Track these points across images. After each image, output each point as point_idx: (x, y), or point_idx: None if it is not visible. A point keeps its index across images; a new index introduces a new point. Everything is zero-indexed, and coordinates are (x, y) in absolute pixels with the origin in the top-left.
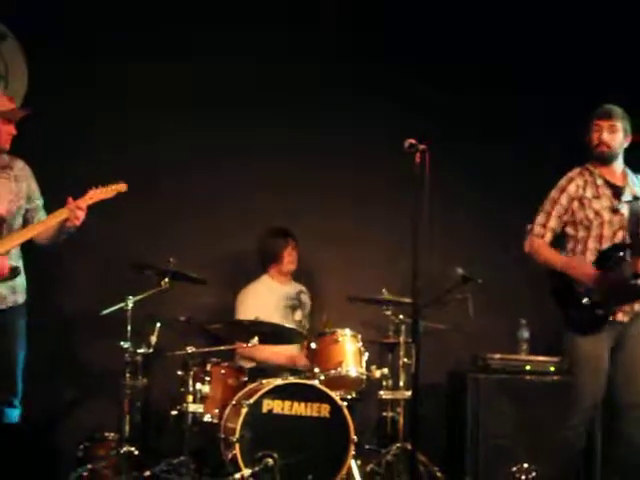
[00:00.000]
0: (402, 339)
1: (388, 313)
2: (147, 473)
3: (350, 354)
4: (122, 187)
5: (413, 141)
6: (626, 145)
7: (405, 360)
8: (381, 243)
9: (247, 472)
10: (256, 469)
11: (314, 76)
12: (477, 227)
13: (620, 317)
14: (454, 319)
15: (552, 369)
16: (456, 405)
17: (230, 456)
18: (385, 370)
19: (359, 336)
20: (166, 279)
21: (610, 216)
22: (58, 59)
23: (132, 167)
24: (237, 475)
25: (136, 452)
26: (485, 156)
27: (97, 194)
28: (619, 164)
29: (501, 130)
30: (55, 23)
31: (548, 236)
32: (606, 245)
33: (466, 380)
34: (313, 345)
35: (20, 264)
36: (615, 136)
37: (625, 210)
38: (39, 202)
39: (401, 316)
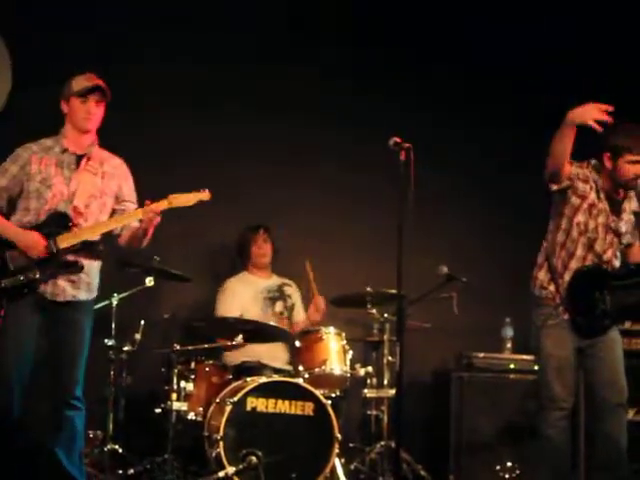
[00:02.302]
0: (386, 337)
1: (372, 311)
2: (131, 471)
3: (334, 352)
4: (206, 196)
5: (398, 139)
6: None
7: (389, 358)
8: (366, 240)
9: (231, 470)
10: (240, 467)
11: (302, 73)
12: (462, 225)
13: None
14: (439, 318)
15: (536, 367)
16: (440, 403)
17: (214, 454)
18: (369, 368)
19: (343, 334)
20: (151, 277)
21: (604, 234)
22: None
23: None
24: (221, 473)
25: (120, 450)
26: (470, 155)
27: (177, 200)
28: None
29: (486, 129)
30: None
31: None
32: (590, 257)
33: (450, 378)
34: (297, 343)
35: (93, 263)
36: None
37: (624, 228)
38: (131, 205)
39: (385, 314)
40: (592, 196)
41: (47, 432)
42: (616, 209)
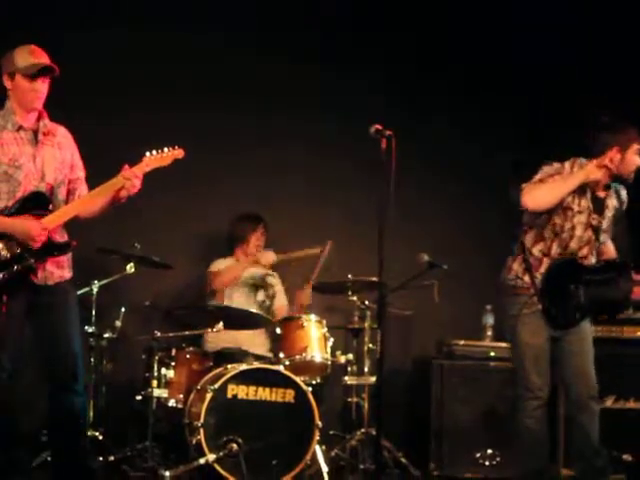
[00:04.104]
0: (367, 325)
1: (353, 299)
2: (111, 458)
3: (315, 340)
4: (180, 153)
5: (379, 127)
6: None
7: (370, 346)
8: (347, 228)
9: (211, 457)
10: (220, 454)
11: (282, 61)
12: (443, 213)
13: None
14: (420, 305)
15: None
16: (421, 391)
17: (194, 441)
18: (350, 356)
19: (324, 322)
20: (131, 264)
21: (582, 232)
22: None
23: (95, 150)
24: (201, 460)
25: (100, 437)
26: (452, 141)
27: (153, 161)
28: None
29: (469, 115)
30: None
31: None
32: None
33: (431, 366)
34: (278, 330)
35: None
36: None
37: (605, 225)
38: (81, 174)
39: (366, 302)
40: (569, 199)
41: (54, 419)
42: (599, 207)
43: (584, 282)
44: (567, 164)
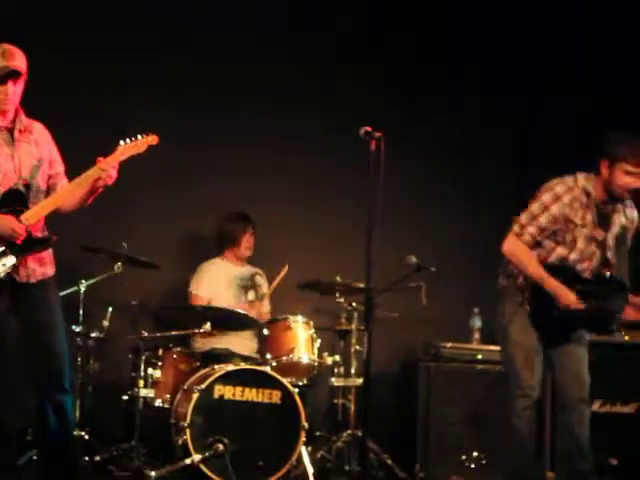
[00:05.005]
0: (354, 326)
1: (341, 300)
2: (97, 458)
3: (302, 341)
4: (153, 139)
5: (369, 129)
6: None
7: (357, 347)
8: (335, 229)
9: (197, 457)
10: (206, 454)
11: (271, 60)
12: (432, 215)
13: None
14: (407, 307)
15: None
16: (407, 393)
17: (181, 441)
18: (337, 357)
19: (311, 323)
20: (119, 263)
21: (584, 245)
22: None
23: (83, 149)
24: (187, 460)
25: (86, 437)
26: (440, 143)
27: (128, 149)
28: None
29: (456, 117)
30: None
31: (528, 240)
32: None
33: (418, 368)
34: (265, 331)
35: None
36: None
37: (610, 241)
38: (61, 169)
39: (354, 303)
40: (571, 212)
41: (41, 418)
42: (604, 221)
43: (576, 292)
44: (556, 207)
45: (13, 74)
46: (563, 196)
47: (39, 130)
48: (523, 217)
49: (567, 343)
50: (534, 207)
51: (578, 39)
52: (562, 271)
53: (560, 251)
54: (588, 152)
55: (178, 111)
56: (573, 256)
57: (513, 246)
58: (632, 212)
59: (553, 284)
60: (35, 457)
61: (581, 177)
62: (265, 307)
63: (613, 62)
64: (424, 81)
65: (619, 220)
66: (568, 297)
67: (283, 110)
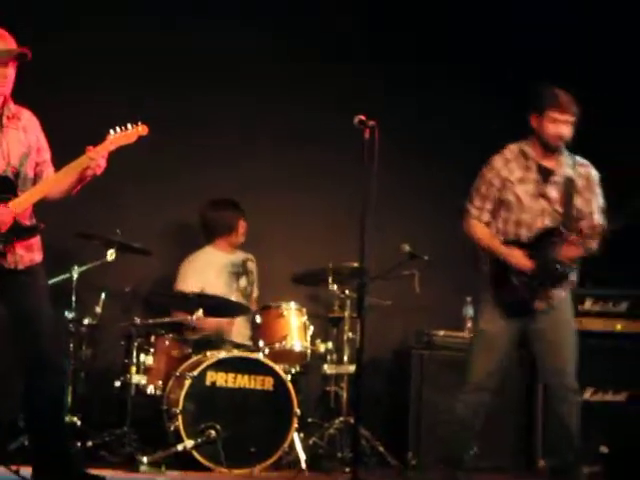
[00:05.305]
0: (347, 314)
1: (334, 288)
2: (89, 444)
3: (295, 328)
4: (144, 130)
5: (363, 117)
6: None
7: (350, 335)
8: (328, 217)
9: (190, 444)
10: (199, 441)
11: (262, 46)
12: (425, 204)
13: (540, 306)
14: (400, 295)
15: None
16: (400, 381)
17: (173, 428)
18: (329, 344)
19: (304, 310)
20: (112, 250)
21: (531, 202)
22: None
23: (77, 136)
24: (179, 446)
25: (79, 422)
26: (434, 131)
27: (117, 139)
28: (563, 151)
29: (451, 104)
30: None
31: (485, 217)
32: (524, 230)
33: (410, 356)
34: (258, 319)
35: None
36: (570, 129)
37: (554, 193)
38: (47, 156)
39: (346, 291)
40: (505, 172)
41: (30, 401)
42: (547, 177)
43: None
44: (496, 178)
45: (20, 57)
46: (496, 161)
47: (27, 117)
48: (475, 199)
49: (548, 328)
50: (480, 185)
51: (578, 39)
52: (514, 242)
53: (513, 217)
54: (587, 150)
55: (170, 98)
56: (525, 216)
57: (466, 226)
58: (584, 168)
59: (504, 251)
60: (27, 443)
61: (517, 143)
62: (254, 293)
63: (613, 62)
64: (421, 75)
65: (562, 172)
66: (518, 259)
67: (277, 99)
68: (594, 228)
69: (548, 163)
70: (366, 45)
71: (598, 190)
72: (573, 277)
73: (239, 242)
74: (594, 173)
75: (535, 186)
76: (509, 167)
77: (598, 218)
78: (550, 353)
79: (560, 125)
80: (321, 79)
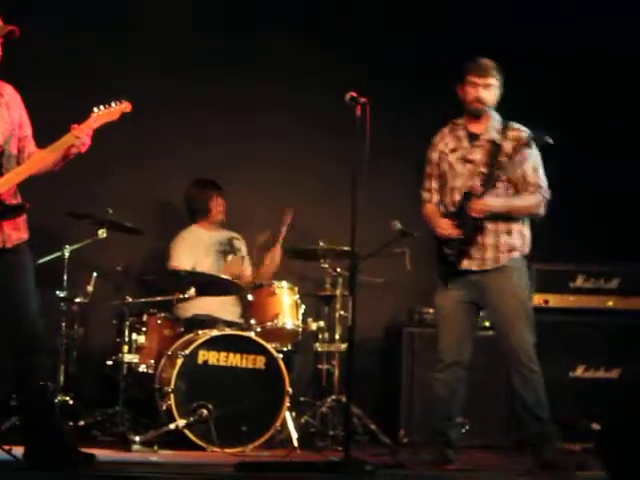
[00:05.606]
0: (339, 292)
1: (325, 266)
2: (82, 423)
3: (287, 306)
4: (127, 106)
5: (354, 94)
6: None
7: (341, 313)
8: (318, 195)
9: (181, 422)
10: (191, 420)
11: (249, 23)
12: (416, 181)
13: (467, 264)
14: (391, 273)
15: (486, 324)
16: (391, 358)
17: (165, 406)
18: (321, 323)
19: (296, 289)
20: (103, 229)
21: (461, 168)
22: None
23: (65, 116)
24: (172, 425)
25: (71, 402)
26: (425, 108)
27: (101, 117)
28: (490, 116)
29: (442, 82)
30: None
31: (435, 198)
32: (457, 196)
33: (402, 333)
34: (250, 297)
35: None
36: (491, 93)
37: (479, 155)
38: (29, 131)
39: (338, 269)
40: (440, 144)
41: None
42: (472, 141)
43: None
44: (434, 154)
45: (12, 33)
46: (435, 139)
47: (10, 93)
48: (424, 181)
49: (492, 302)
50: (426, 167)
51: (578, 39)
52: (448, 214)
53: (449, 185)
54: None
55: (156, 77)
56: (457, 182)
57: (425, 211)
58: (515, 132)
59: (435, 223)
60: (19, 423)
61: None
62: (247, 270)
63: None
64: (418, 58)
65: (487, 136)
66: (444, 228)
67: (267, 75)
68: (528, 185)
69: (476, 129)
70: (355, 20)
71: (530, 151)
72: (515, 241)
73: (218, 220)
74: (525, 136)
75: (463, 152)
76: (445, 141)
77: (531, 176)
78: (497, 323)
79: (479, 88)
80: (307, 54)
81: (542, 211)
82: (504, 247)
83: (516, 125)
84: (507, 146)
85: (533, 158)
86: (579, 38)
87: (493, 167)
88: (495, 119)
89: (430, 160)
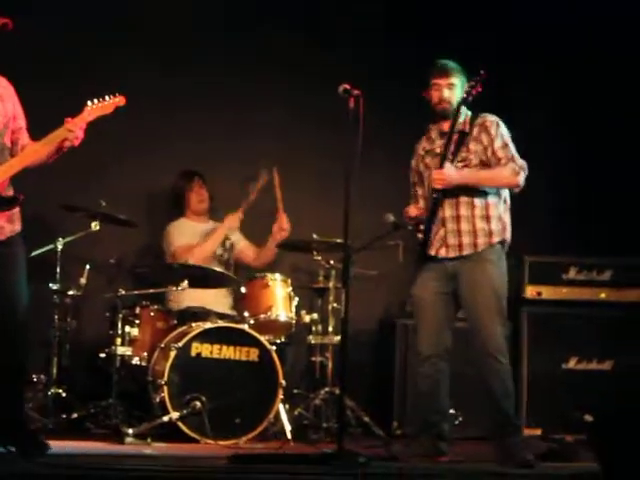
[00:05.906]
0: (332, 284)
1: (318, 258)
2: (75, 415)
3: (280, 299)
4: (121, 100)
5: (347, 86)
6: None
7: (335, 305)
8: (312, 187)
9: (175, 415)
10: (184, 412)
11: (249, 23)
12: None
13: (440, 252)
14: (385, 265)
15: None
16: (385, 351)
17: (158, 399)
18: (314, 315)
19: (289, 281)
20: (96, 221)
21: (431, 161)
22: None
23: (65, 116)
24: (165, 418)
25: (64, 394)
26: (419, 102)
27: (95, 110)
28: (460, 113)
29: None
30: None
31: (421, 204)
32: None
33: (395, 326)
34: (243, 289)
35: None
36: (454, 92)
37: (451, 148)
38: (23, 123)
39: (331, 261)
40: (424, 148)
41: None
42: (443, 137)
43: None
44: (413, 160)
45: (5, 26)
46: (417, 149)
47: (3, 85)
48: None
49: (463, 293)
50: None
51: (578, 38)
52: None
53: (426, 183)
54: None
55: (152, 71)
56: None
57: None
58: (481, 119)
59: (405, 210)
60: None
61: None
62: (246, 248)
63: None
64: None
65: (457, 129)
66: (411, 210)
67: (261, 70)
68: (499, 160)
69: (447, 127)
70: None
71: (497, 131)
72: (493, 227)
73: (200, 209)
74: (491, 119)
75: (434, 147)
76: (422, 145)
77: (500, 151)
78: (468, 312)
79: (442, 89)
80: (301, 48)
81: (519, 181)
82: (481, 232)
83: (485, 114)
84: (474, 131)
85: (500, 136)
86: (579, 38)
87: (461, 151)
88: (465, 114)
89: (411, 168)
